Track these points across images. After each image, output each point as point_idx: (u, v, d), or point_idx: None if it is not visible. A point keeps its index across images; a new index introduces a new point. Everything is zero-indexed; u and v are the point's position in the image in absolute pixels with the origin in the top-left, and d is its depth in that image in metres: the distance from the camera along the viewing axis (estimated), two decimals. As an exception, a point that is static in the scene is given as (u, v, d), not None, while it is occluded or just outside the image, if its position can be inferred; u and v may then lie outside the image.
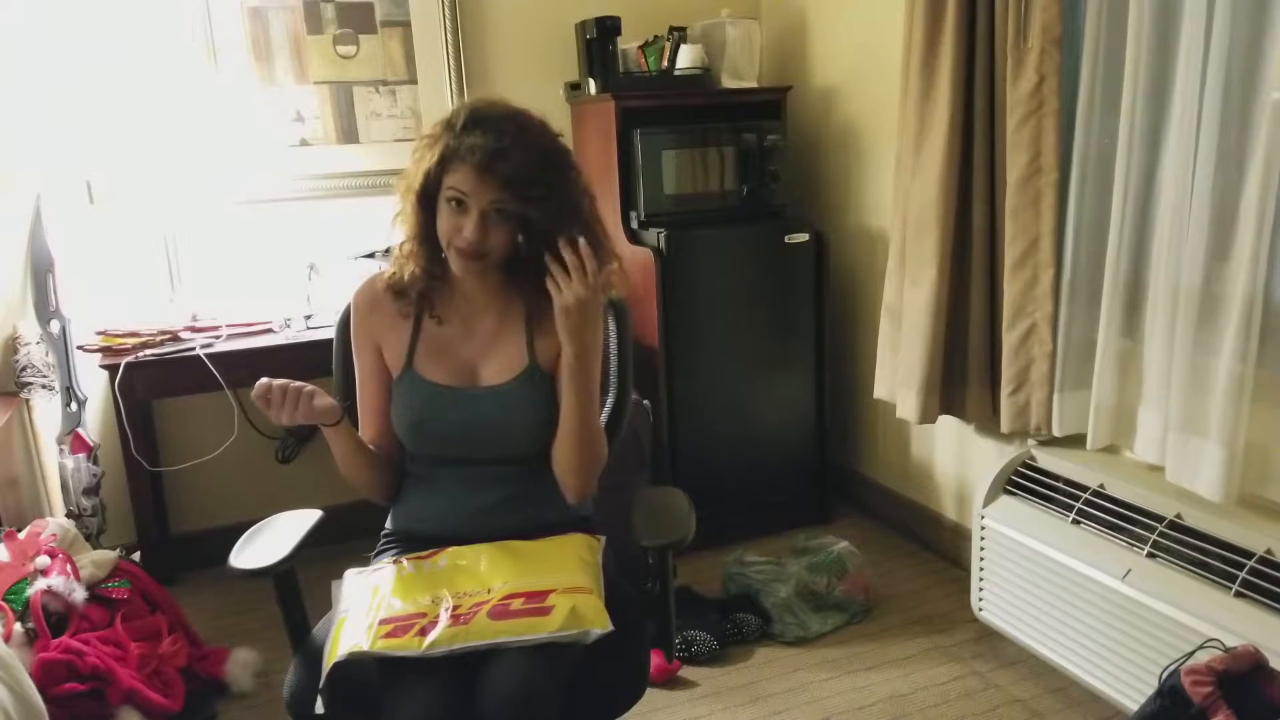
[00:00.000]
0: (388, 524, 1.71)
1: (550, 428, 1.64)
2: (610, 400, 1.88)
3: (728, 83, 3.07)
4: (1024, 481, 2.34)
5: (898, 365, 2.67)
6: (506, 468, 1.62)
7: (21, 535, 2.26)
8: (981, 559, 2.41)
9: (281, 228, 2.97)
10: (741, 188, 3.00)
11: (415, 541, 1.62)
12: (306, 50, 2.93)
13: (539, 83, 3.17)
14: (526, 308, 1.62)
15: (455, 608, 1.40)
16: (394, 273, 1.62)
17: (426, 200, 1.53)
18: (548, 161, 1.50)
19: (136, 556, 2.61)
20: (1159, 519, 2.02)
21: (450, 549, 1.54)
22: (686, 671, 2.42)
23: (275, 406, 1.44)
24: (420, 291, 1.61)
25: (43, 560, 2.18)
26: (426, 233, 1.55)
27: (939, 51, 2.42)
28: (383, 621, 1.39)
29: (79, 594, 2.15)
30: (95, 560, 2.28)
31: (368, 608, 1.43)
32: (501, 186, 1.46)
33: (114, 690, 2.04)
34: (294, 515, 1.66)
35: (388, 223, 1.63)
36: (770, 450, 3.10)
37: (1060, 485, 2.26)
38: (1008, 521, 2.31)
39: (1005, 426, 2.43)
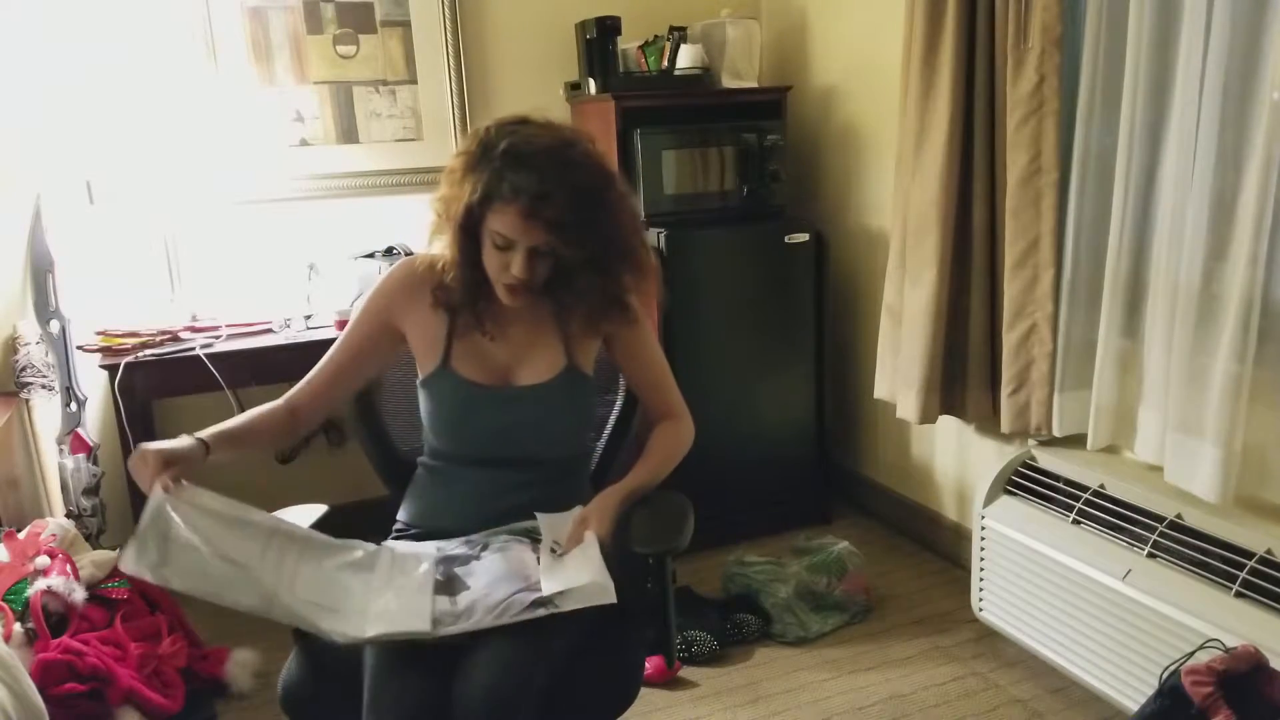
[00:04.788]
0: (400, 516, 1.71)
1: (586, 431, 1.65)
2: (619, 402, 1.88)
3: (728, 83, 3.07)
4: (1024, 481, 2.34)
5: (898, 365, 2.67)
6: (533, 470, 1.62)
7: (21, 535, 2.26)
8: (982, 559, 2.41)
9: (281, 228, 2.96)
10: (741, 188, 3.00)
11: (429, 536, 1.62)
12: (306, 50, 2.93)
13: (539, 83, 3.17)
14: (558, 311, 1.62)
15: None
16: (440, 283, 1.59)
17: (469, 232, 1.50)
18: (592, 200, 1.46)
19: (136, 556, 2.61)
20: (1159, 519, 2.02)
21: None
22: (686, 671, 2.42)
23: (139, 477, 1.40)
24: (464, 304, 1.59)
25: (43, 560, 2.18)
26: (470, 260, 1.53)
27: (939, 51, 2.42)
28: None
29: (79, 594, 2.15)
30: (95, 560, 2.28)
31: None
32: (546, 230, 1.44)
33: (114, 690, 2.04)
34: (299, 509, 1.65)
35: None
36: (770, 450, 3.10)
37: (1060, 485, 2.26)
38: (1008, 521, 2.31)
39: (1005, 426, 2.43)
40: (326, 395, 1.65)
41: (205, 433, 1.49)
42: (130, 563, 1.34)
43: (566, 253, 1.48)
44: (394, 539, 1.67)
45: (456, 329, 1.61)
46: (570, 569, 1.46)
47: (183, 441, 1.45)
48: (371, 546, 1.55)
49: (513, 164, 1.43)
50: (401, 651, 1.37)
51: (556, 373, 1.61)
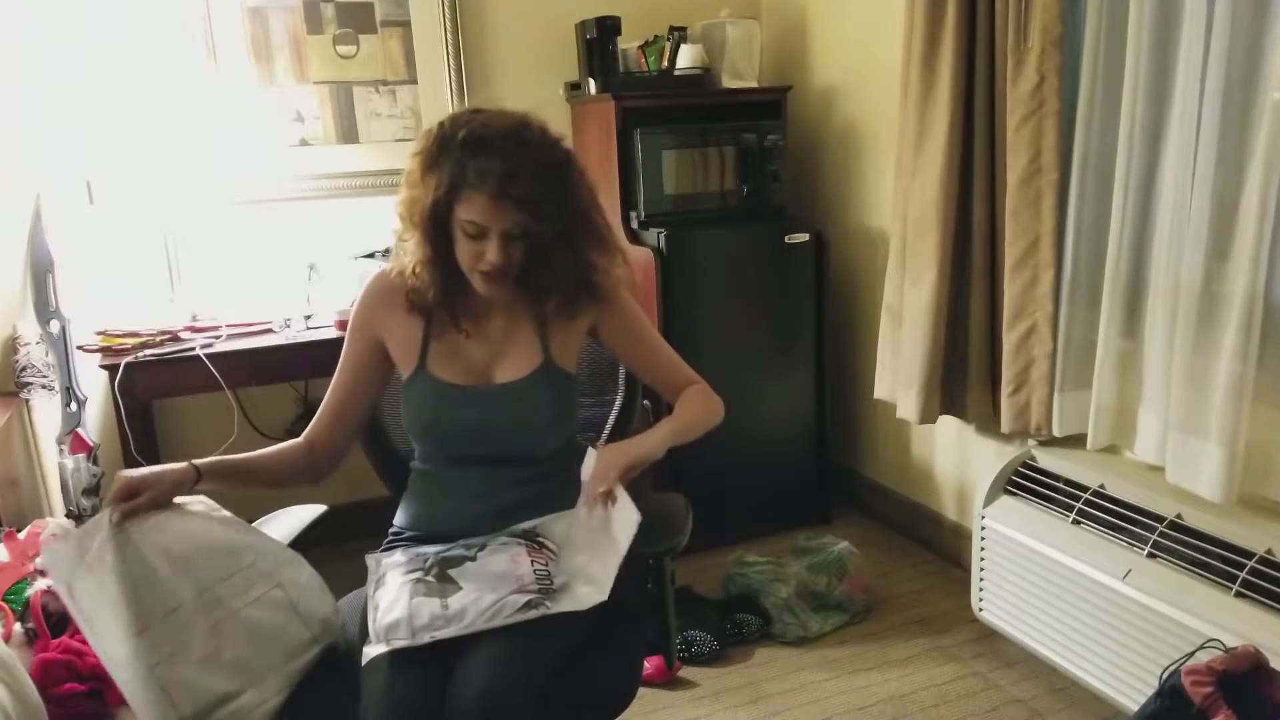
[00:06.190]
0: (396, 521, 1.71)
1: (567, 426, 1.64)
2: (619, 402, 1.88)
3: (728, 83, 3.07)
4: (1024, 482, 2.34)
5: (898, 365, 2.67)
6: (521, 469, 1.61)
7: (21, 535, 2.26)
8: (982, 559, 2.41)
9: (281, 228, 2.97)
10: (741, 188, 3.00)
11: (425, 541, 1.62)
12: (306, 50, 2.93)
13: (539, 83, 3.17)
14: (534, 307, 1.62)
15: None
16: (412, 286, 1.60)
17: (439, 227, 1.51)
18: (555, 175, 1.49)
19: (136, 556, 2.61)
20: (1159, 519, 2.02)
21: None
22: (686, 671, 2.42)
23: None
24: (438, 304, 1.60)
25: (43, 560, 2.18)
26: (441, 257, 1.54)
27: (939, 52, 2.42)
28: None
29: (79, 594, 2.15)
30: (95, 560, 2.28)
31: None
32: (517, 209, 1.45)
33: (114, 690, 2.03)
34: (299, 510, 1.66)
35: (390, 231, 1.62)
36: (770, 450, 3.10)
37: (1060, 485, 2.26)
38: (1008, 521, 2.31)
39: (1005, 426, 2.43)
40: (339, 424, 1.65)
41: (206, 460, 1.50)
42: (49, 560, 1.34)
43: (538, 229, 1.48)
44: (388, 546, 1.67)
45: (432, 330, 1.61)
46: (599, 534, 1.49)
47: (172, 466, 1.45)
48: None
49: (474, 150, 1.44)
50: (398, 651, 1.38)
51: (532, 369, 1.61)
